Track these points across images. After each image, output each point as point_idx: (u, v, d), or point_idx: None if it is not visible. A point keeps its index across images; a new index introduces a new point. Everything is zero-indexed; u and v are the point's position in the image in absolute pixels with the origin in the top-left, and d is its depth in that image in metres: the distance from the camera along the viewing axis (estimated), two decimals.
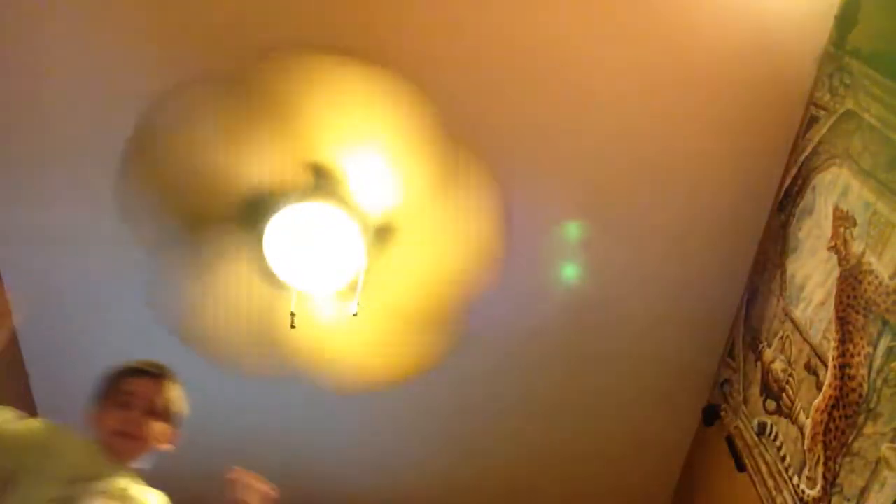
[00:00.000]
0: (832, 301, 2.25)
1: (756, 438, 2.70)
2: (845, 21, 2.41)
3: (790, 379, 2.48)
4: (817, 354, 2.32)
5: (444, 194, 2.43)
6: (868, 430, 1.99)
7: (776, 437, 2.55)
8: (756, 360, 2.78)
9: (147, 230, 2.58)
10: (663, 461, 3.60)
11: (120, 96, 2.67)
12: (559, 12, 2.52)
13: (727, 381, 3.05)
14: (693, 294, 3.08)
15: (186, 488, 3.77)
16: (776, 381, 2.59)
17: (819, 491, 2.21)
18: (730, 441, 2.89)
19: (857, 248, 2.15)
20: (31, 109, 2.75)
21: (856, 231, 2.17)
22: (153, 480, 3.60)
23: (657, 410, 3.42)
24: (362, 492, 3.79)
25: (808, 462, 2.30)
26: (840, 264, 2.24)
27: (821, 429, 2.22)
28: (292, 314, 2.48)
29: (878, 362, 1.98)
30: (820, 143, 2.47)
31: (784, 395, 2.51)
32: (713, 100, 2.65)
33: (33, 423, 2.27)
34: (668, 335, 3.19)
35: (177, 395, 2.40)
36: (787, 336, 2.54)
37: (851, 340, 2.11)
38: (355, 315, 2.47)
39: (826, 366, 2.24)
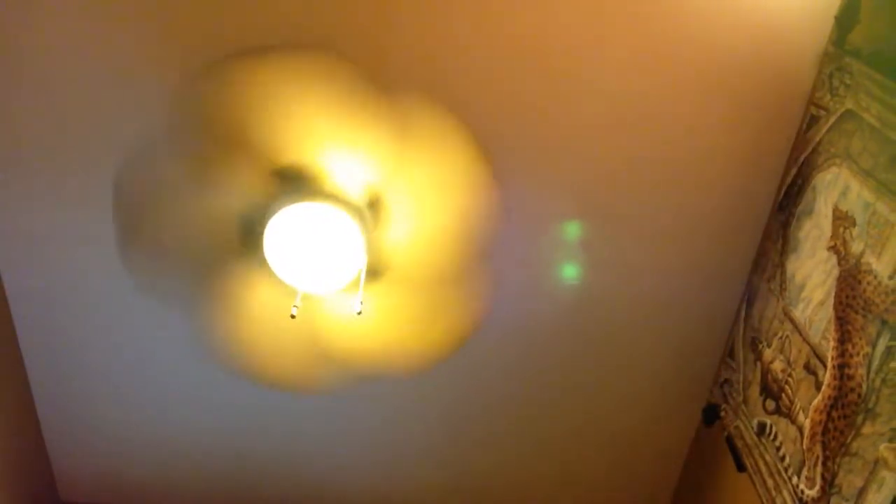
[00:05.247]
0: (831, 301, 2.25)
1: (756, 438, 2.70)
2: (845, 21, 2.40)
3: (789, 379, 2.48)
4: (816, 354, 2.31)
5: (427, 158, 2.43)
6: (866, 430, 1.99)
7: (776, 437, 2.55)
8: (756, 360, 2.78)
9: (161, 283, 2.60)
10: (663, 461, 3.60)
11: (120, 97, 2.68)
12: (560, 9, 2.52)
13: (727, 381, 3.05)
14: (693, 294, 3.08)
15: (189, 489, 3.79)
16: (776, 381, 2.59)
17: (818, 491, 2.21)
18: (730, 441, 2.89)
19: (856, 248, 2.15)
20: (32, 110, 2.75)
21: (855, 231, 2.17)
22: (157, 482, 3.60)
23: (657, 410, 3.42)
24: (363, 492, 3.80)
25: (807, 462, 2.30)
26: (839, 264, 2.24)
27: (819, 429, 2.22)
28: (295, 306, 2.48)
29: (876, 362, 1.98)
30: (820, 143, 2.47)
31: (783, 395, 2.51)
32: (713, 100, 2.65)
33: None
34: (667, 335, 3.19)
35: None
36: (787, 336, 2.54)
37: (850, 340, 2.11)
38: (360, 314, 2.48)
39: (825, 366, 2.24)
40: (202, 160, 2.37)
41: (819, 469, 2.21)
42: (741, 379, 2.91)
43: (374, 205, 2.49)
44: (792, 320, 2.52)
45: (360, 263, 2.47)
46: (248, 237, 2.48)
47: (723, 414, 3.02)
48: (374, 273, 2.55)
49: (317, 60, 2.29)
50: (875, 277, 2.03)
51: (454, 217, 2.51)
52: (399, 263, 2.56)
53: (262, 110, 2.28)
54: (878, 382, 1.96)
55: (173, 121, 2.36)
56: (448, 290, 2.61)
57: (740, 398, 2.89)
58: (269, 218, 2.41)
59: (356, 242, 2.45)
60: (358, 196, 2.47)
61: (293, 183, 2.43)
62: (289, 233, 2.45)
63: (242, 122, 2.30)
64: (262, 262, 2.47)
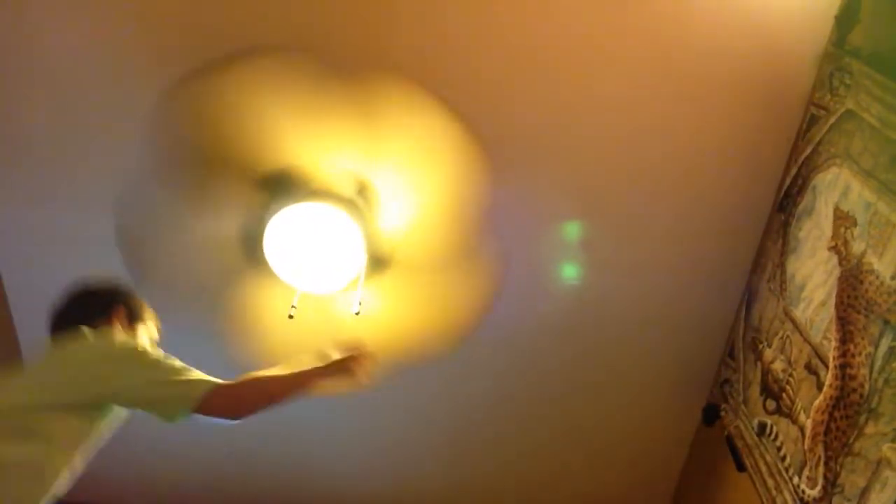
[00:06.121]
0: (833, 301, 2.25)
1: (756, 438, 2.70)
2: (845, 21, 2.41)
3: (790, 379, 2.48)
4: (818, 354, 2.31)
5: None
6: (869, 429, 1.99)
7: (776, 436, 2.55)
8: (756, 360, 2.78)
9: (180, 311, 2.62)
10: (663, 461, 3.60)
11: (120, 97, 2.67)
12: (560, 13, 2.52)
13: (727, 381, 3.05)
14: (693, 294, 3.08)
15: (189, 489, 3.78)
16: (776, 381, 2.59)
17: (819, 491, 2.21)
18: (730, 441, 2.89)
19: (857, 248, 2.15)
20: (31, 109, 2.74)
21: (856, 231, 2.17)
22: (157, 482, 3.58)
23: (657, 410, 3.42)
24: (364, 492, 3.79)
25: (808, 462, 2.30)
26: (841, 264, 2.24)
27: (821, 429, 2.22)
28: (293, 307, 2.49)
29: (879, 362, 1.98)
30: (820, 143, 2.47)
31: (784, 395, 2.51)
32: (713, 100, 2.65)
33: None
34: (668, 335, 3.20)
35: None
36: (788, 336, 2.54)
37: (852, 340, 2.11)
38: (357, 314, 2.48)
39: (827, 366, 2.24)
40: (192, 186, 2.40)
41: (821, 469, 2.21)
42: (741, 379, 2.91)
43: (363, 192, 2.50)
44: (792, 320, 2.52)
45: (360, 258, 2.48)
46: (251, 250, 2.50)
47: (723, 414, 3.02)
48: (380, 263, 2.56)
49: (278, 60, 2.31)
50: (877, 277, 2.03)
51: (442, 187, 2.52)
52: (403, 248, 2.58)
53: (236, 122, 2.31)
54: (880, 383, 1.96)
55: (157, 153, 2.39)
56: (455, 267, 2.63)
57: (740, 398, 2.89)
58: (265, 227, 2.43)
59: (353, 234, 2.46)
60: (347, 187, 2.49)
61: (281, 187, 2.45)
62: (285, 237, 2.46)
63: (221, 138, 2.32)
64: (269, 269, 2.49)
